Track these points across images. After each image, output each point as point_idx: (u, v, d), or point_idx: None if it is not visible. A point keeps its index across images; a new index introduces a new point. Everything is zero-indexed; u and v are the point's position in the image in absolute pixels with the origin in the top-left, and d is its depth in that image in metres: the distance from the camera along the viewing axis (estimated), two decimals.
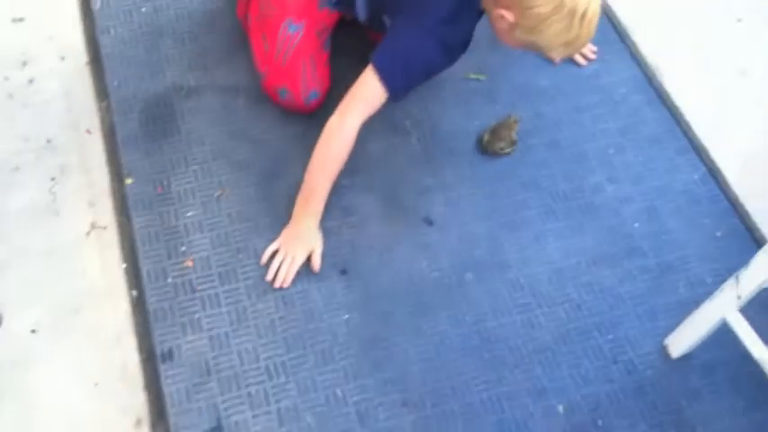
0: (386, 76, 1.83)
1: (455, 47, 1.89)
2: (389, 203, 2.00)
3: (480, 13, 1.89)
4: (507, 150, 2.11)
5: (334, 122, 1.86)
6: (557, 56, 1.84)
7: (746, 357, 1.65)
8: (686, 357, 1.83)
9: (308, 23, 2.02)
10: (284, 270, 1.86)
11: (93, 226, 1.88)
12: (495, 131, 2.11)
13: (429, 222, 1.99)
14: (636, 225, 2.04)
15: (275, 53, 2.02)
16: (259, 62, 2.07)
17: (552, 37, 1.76)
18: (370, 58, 1.85)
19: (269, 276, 1.86)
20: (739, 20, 2.53)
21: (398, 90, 1.86)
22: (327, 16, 2.06)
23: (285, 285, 1.85)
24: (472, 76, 2.25)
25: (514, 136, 2.12)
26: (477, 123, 2.16)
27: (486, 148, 2.11)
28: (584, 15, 1.72)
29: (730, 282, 1.63)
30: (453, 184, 2.06)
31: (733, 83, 2.39)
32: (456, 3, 1.83)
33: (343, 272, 1.88)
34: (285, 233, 1.91)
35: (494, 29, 1.86)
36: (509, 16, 1.77)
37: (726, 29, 2.51)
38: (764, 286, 1.60)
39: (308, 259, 1.89)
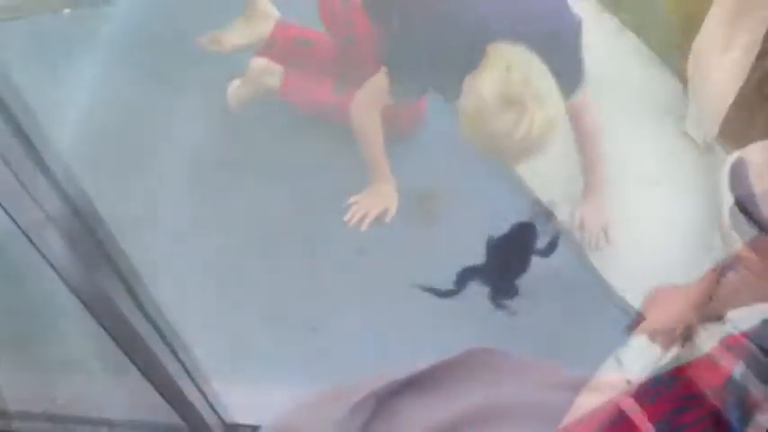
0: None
1: None
2: None
3: None
4: None
5: (352, 109, 2.10)
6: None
7: None
8: None
9: None
10: (358, 216, 2.16)
11: None
12: None
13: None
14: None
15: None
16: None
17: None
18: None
19: (348, 217, 2.17)
20: None
21: None
22: None
23: (363, 228, 2.16)
24: None
25: None
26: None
27: None
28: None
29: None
30: None
31: None
32: None
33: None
34: (364, 192, 2.19)
35: None
36: None
37: None
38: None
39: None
